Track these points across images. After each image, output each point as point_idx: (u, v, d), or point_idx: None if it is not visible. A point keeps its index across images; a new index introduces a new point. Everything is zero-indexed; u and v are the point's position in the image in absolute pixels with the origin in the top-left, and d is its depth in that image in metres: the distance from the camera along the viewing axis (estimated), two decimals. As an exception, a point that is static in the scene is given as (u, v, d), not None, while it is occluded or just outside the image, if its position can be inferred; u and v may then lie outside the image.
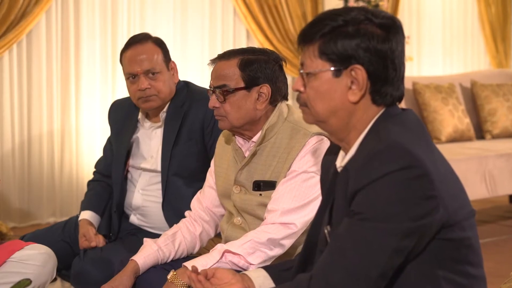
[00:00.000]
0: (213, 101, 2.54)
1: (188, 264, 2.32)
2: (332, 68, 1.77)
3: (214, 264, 2.33)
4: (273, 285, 2.07)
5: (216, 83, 2.53)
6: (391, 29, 1.77)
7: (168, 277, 2.40)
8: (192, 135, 3.07)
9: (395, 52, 1.77)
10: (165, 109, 3.11)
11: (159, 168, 3.10)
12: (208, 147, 3.08)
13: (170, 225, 2.94)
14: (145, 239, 2.72)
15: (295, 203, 2.44)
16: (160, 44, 3.10)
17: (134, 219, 3.20)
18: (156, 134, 3.15)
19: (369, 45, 1.74)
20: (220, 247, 2.39)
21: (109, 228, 3.19)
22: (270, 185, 2.53)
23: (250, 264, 2.38)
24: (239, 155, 2.61)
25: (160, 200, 3.09)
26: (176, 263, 2.66)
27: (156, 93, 3.04)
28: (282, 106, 2.60)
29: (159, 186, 3.10)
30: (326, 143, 2.45)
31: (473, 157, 5.13)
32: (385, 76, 1.77)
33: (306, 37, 1.81)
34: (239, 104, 2.52)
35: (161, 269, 2.64)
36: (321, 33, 1.77)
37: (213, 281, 2.02)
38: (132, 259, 2.61)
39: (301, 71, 1.83)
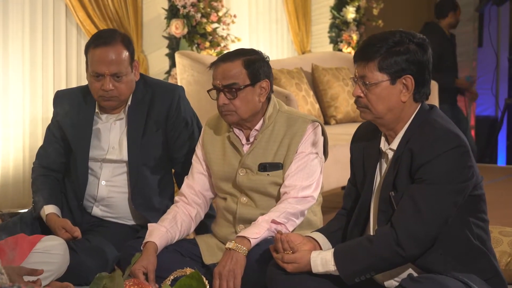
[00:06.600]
0: (223, 99, 2.87)
1: (243, 234, 2.78)
2: (390, 79, 2.41)
3: (264, 231, 2.79)
4: (329, 244, 2.61)
5: (226, 82, 2.86)
6: (425, 46, 2.43)
7: (230, 246, 2.75)
8: (158, 126, 3.25)
9: (429, 61, 2.45)
10: (129, 102, 3.23)
11: (124, 158, 3.23)
12: (170, 138, 3.26)
13: (140, 213, 3.21)
14: (149, 224, 2.96)
15: (310, 181, 2.89)
16: (127, 44, 3.18)
17: (97, 211, 3.30)
18: (116, 126, 3.27)
19: (415, 58, 2.40)
20: (267, 218, 2.82)
21: (74, 222, 3.19)
22: (275, 166, 2.92)
23: (288, 231, 2.82)
24: (238, 143, 2.96)
25: (125, 190, 3.25)
26: (181, 243, 2.99)
27: (118, 95, 3.16)
28: (274, 99, 2.99)
29: (124, 176, 3.25)
30: (320, 129, 2.95)
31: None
32: (423, 80, 2.44)
33: (366, 56, 2.43)
34: (247, 99, 2.87)
35: (173, 250, 2.94)
36: (379, 53, 2.40)
37: (289, 242, 2.51)
38: (149, 241, 2.87)
39: (357, 81, 2.44)
